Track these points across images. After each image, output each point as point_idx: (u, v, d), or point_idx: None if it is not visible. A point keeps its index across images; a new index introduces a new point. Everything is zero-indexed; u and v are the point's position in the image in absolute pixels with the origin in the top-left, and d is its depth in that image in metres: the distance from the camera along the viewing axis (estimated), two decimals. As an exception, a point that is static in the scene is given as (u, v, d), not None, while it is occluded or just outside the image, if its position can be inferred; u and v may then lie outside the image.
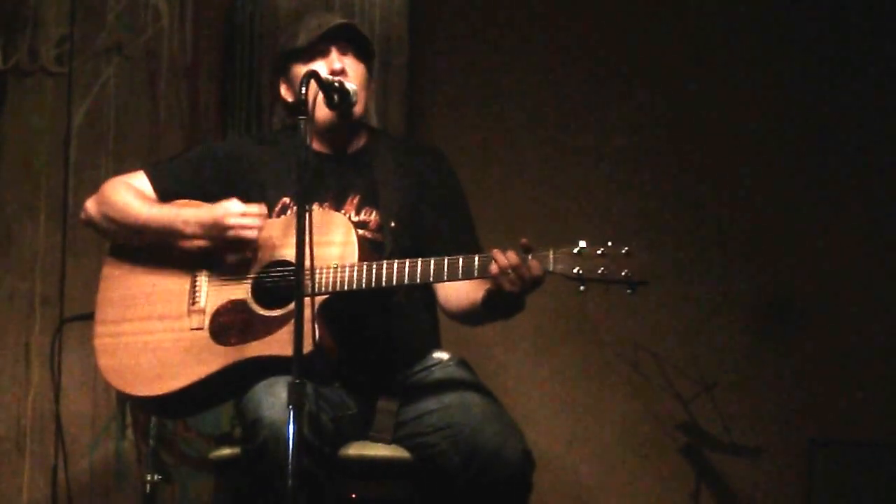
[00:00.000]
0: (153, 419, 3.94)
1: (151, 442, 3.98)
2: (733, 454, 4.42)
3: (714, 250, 4.57)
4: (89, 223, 3.22)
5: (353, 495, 3.12)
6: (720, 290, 4.56)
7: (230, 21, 4.47)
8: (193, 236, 3.08)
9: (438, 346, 3.22)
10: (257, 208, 3.06)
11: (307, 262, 2.78)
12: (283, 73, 3.20)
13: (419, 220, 3.16)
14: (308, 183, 3.01)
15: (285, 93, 3.22)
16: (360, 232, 3.06)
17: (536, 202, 4.54)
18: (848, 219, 4.55)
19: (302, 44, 3.14)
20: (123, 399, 3.68)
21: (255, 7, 4.47)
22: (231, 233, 3.04)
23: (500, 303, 2.95)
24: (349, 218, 3.08)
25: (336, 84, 3.05)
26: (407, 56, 4.45)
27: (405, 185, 3.18)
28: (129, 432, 4.31)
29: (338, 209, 3.11)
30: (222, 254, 3.08)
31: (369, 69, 3.21)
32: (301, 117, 2.82)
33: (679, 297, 4.52)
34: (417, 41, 4.50)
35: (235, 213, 3.05)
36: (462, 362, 3.19)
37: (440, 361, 3.17)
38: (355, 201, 3.15)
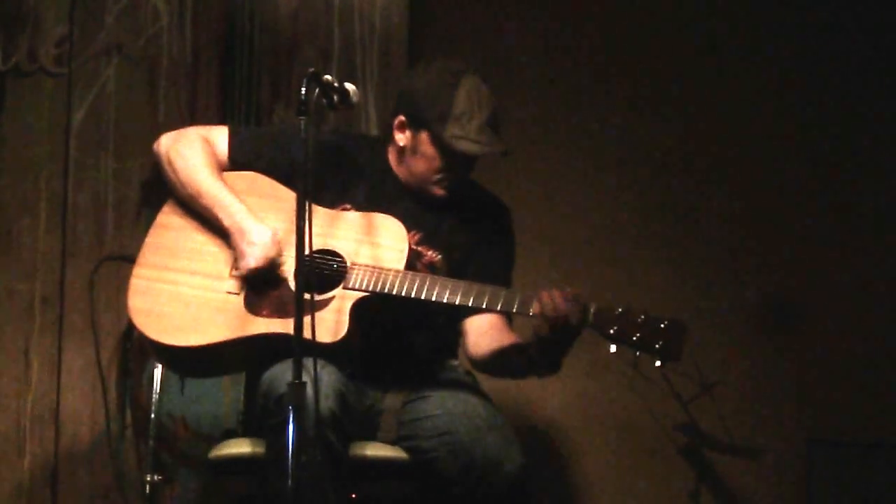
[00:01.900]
0: (153, 420, 3.95)
1: (151, 442, 3.98)
2: (733, 454, 4.42)
3: (714, 250, 4.57)
4: (157, 158, 3.26)
5: (353, 495, 3.12)
6: (720, 290, 4.56)
7: (230, 21, 4.47)
8: (226, 229, 3.11)
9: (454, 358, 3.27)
10: (276, 252, 3.06)
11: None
12: (410, 124, 3.17)
13: (466, 272, 3.18)
14: (378, 203, 3.13)
15: (399, 135, 3.21)
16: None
17: (536, 202, 4.54)
18: (848, 219, 4.55)
19: (452, 145, 3.11)
20: (142, 342, 3.69)
21: (255, 7, 4.47)
22: (239, 248, 3.06)
23: (538, 355, 2.97)
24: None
25: (336, 85, 3.06)
26: (406, 55, 4.45)
27: (466, 235, 3.24)
28: (129, 432, 4.30)
29: None
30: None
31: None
32: (302, 117, 2.84)
33: (678, 297, 4.52)
34: (417, 41, 4.50)
35: (263, 238, 3.06)
36: (468, 372, 3.22)
37: (448, 366, 3.20)
38: (417, 237, 3.18)
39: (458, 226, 3.24)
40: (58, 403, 4.24)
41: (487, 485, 2.94)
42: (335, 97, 3.05)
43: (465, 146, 3.11)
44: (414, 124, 3.16)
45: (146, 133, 4.40)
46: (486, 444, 2.95)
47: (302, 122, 2.83)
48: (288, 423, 2.77)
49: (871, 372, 4.49)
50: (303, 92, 2.86)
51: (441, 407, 3.04)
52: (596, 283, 4.41)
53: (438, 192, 3.20)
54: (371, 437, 3.12)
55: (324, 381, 2.81)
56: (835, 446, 4.41)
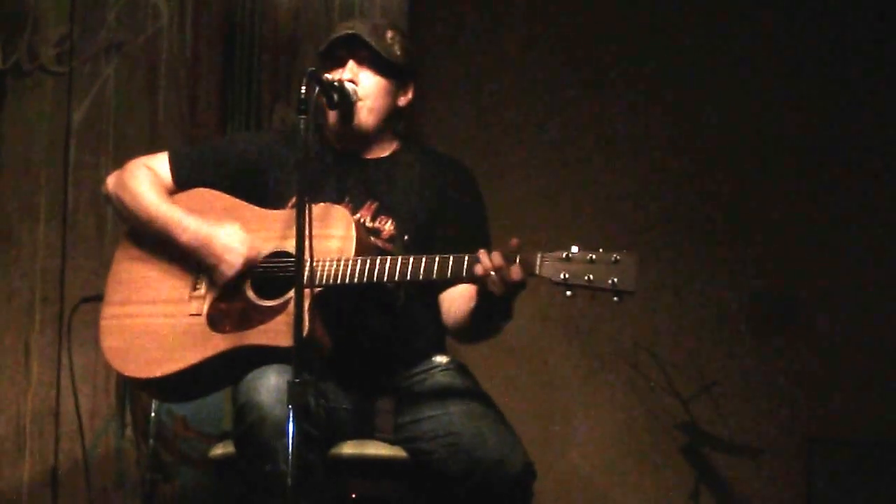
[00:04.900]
0: (153, 419, 3.95)
1: (151, 441, 3.98)
2: (733, 454, 4.42)
3: (714, 250, 4.57)
4: (107, 199, 3.26)
5: (353, 495, 3.12)
6: (719, 289, 4.56)
7: (230, 20, 4.47)
8: (186, 245, 3.09)
9: (442, 351, 3.21)
10: (247, 254, 3.05)
11: (306, 255, 2.78)
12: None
13: (433, 238, 3.14)
14: (323, 182, 3.08)
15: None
16: (372, 239, 3.07)
17: (534, 201, 4.55)
18: (848, 218, 4.55)
19: (321, 49, 3.16)
20: (121, 380, 3.70)
21: (255, 6, 4.47)
22: (212, 259, 3.05)
23: (486, 308, 2.92)
24: (364, 223, 3.08)
25: (336, 84, 3.05)
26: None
27: (426, 200, 3.18)
28: (129, 431, 4.31)
29: (353, 213, 3.09)
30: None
31: (397, 85, 3.21)
32: (301, 116, 2.84)
33: (678, 297, 4.52)
34: (417, 40, 4.50)
35: (231, 242, 3.05)
36: (462, 367, 3.17)
37: (440, 365, 3.16)
38: (372, 207, 3.15)
39: (417, 191, 3.19)
40: (58, 402, 4.24)
41: (490, 485, 2.92)
42: (335, 96, 3.04)
43: (336, 34, 3.15)
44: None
45: (146, 132, 4.41)
46: (487, 444, 2.92)
47: (301, 122, 2.83)
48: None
49: (870, 371, 4.49)
50: (303, 91, 2.85)
51: (440, 407, 3.02)
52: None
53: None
54: (369, 436, 3.10)
55: (276, 387, 2.79)
56: (835, 445, 4.41)
